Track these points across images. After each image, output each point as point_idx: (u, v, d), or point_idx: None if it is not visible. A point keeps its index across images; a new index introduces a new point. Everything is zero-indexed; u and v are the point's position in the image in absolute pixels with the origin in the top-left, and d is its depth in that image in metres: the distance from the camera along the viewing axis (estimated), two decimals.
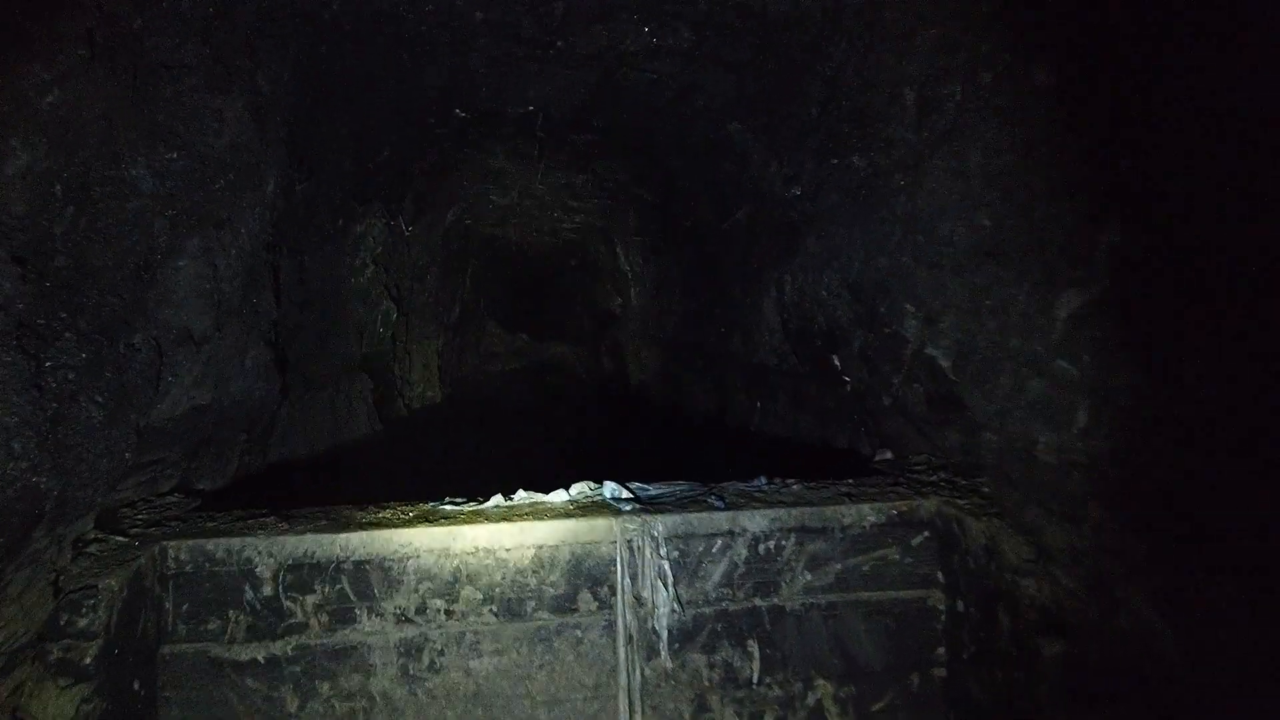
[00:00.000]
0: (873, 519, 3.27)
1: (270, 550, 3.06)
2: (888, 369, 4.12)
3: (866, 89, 3.71)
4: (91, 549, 2.91)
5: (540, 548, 3.17)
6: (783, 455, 5.09)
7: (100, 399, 2.79)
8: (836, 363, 4.58)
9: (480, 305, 17.42)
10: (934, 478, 3.58)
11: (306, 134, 4.60)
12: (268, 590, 3.05)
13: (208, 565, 3.04)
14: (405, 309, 9.05)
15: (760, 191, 5.54)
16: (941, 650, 3.26)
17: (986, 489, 3.25)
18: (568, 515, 3.22)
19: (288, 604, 3.06)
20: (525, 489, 3.53)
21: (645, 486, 3.54)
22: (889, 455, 4.10)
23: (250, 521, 3.23)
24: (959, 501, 3.25)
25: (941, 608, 3.27)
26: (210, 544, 3.05)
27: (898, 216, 3.67)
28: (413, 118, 6.17)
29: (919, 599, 3.28)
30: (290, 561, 3.07)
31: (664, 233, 8.60)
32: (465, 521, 3.19)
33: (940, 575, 3.26)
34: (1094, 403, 2.58)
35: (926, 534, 3.28)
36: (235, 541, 3.06)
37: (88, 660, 2.59)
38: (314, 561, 3.08)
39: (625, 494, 3.41)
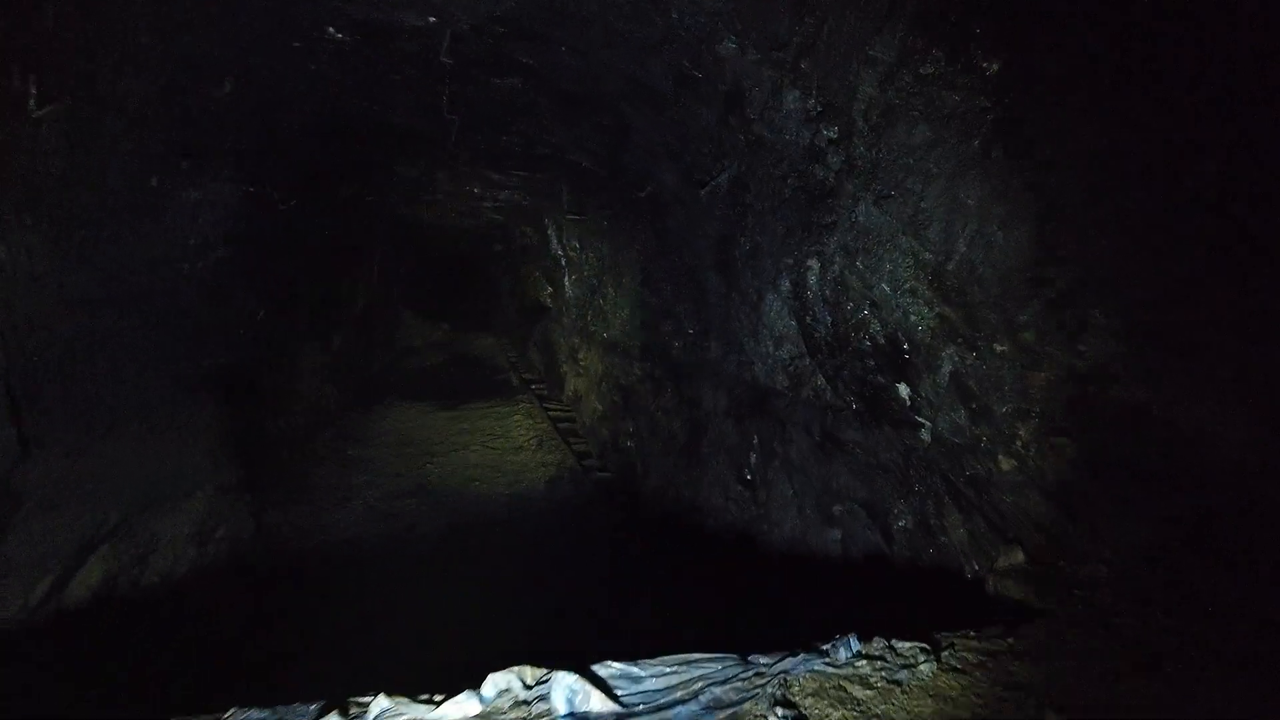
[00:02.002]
0: None
1: None
2: (1009, 412, 2.45)
3: None
4: None
5: None
6: (804, 559, 3.38)
7: None
8: (904, 394, 2.89)
9: (394, 294, 15.37)
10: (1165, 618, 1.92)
11: (38, 10, 2.68)
12: None
13: None
14: (284, 303, 7.07)
15: (761, 141, 3.81)
16: None
17: None
18: None
19: None
20: (388, 694, 1.71)
21: (633, 669, 1.77)
22: (1021, 558, 2.42)
23: None
24: None
25: None
26: None
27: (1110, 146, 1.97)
28: (265, 35, 4.24)
29: None
30: None
31: (610, 207, 6.81)
32: None
33: None
34: None
35: None
36: None
37: None
38: None
39: (596, 701, 1.63)
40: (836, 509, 3.34)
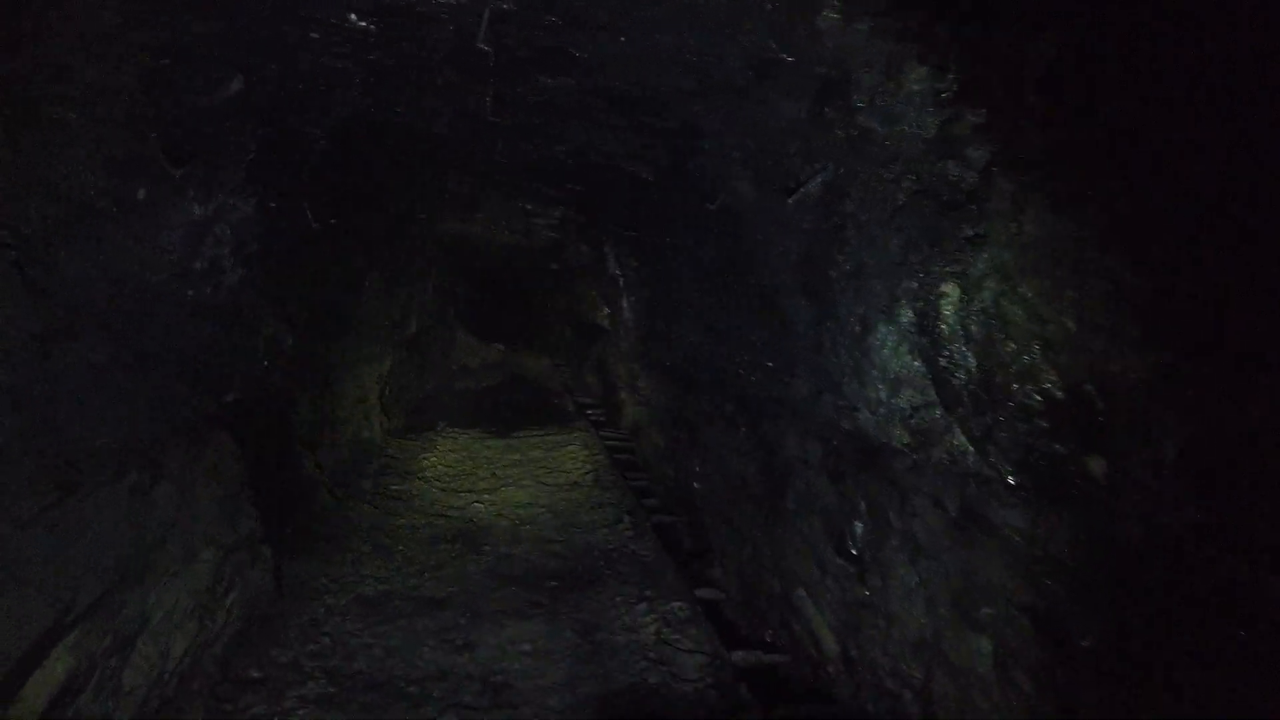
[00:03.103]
0: None
1: None
2: None
3: None
4: None
5: None
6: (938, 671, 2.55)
7: None
8: (1098, 471, 2.06)
9: (448, 315, 14.87)
10: None
11: None
12: None
13: None
14: (323, 329, 6.47)
15: (867, 135, 3.02)
16: None
17: None
18: None
19: None
20: None
21: None
22: None
23: None
24: None
25: None
26: None
27: None
28: (274, 23, 3.59)
29: None
30: None
31: (674, 222, 6.06)
32: None
33: None
34: None
35: None
36: None
37: None
38: None
39: None
40: (985, 611, 2.50)
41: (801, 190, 3.70)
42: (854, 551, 3.27)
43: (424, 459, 8.50)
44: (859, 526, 3.24)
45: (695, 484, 5.97)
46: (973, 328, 2.42)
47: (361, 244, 7.45)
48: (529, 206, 9.14)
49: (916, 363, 2.77)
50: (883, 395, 3.03)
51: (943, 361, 2.59)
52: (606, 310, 10.36)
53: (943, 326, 2.57)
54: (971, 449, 2.53)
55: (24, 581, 2.74)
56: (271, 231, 4.71)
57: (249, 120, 3.94)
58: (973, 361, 2.45)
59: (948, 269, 2.54)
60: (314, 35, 3.80)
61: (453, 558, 5.78)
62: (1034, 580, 2.32)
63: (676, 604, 4.96)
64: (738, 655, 4.16)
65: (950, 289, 2.52)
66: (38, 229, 2.70)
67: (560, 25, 3.89)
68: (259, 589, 4.38)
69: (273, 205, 4.61)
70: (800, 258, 3.86)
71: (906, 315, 2.80)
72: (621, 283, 8.64)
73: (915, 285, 2.74)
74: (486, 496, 7.29)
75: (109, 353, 3.21)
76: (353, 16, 3.66)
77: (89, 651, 3.02)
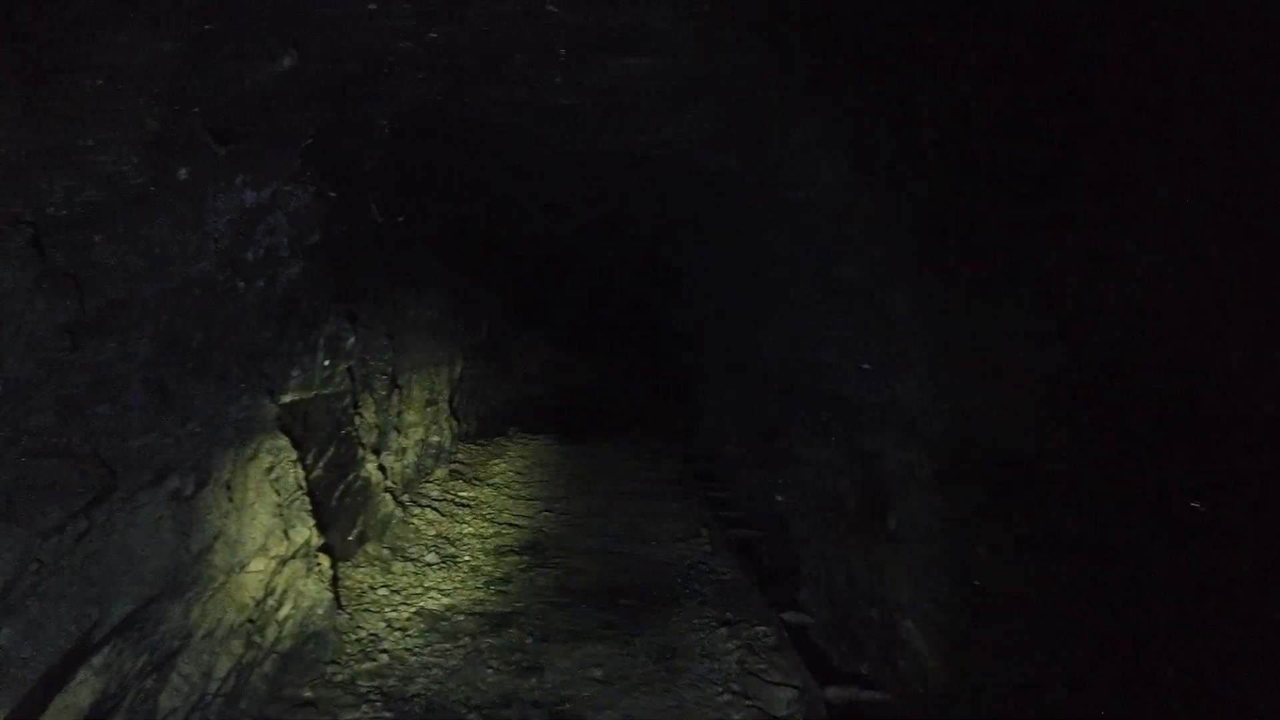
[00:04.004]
0: None
1: None
2: None
3: None
4: None
5: None
6: None
7: None
8: None
9: (521, 318, 14.62)
10: None
11: None
12: None
13: None
14: (393, 328, 6.24)
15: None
16: None
17: None
18: None
19: None
20: None
21: None
22: None
23: None
24: None
25: None
26: None
27: None
28: None
29: None
30: None
31: (752, 215, 5.61)
32: None
33: None
34: None
35: None
36: None
37: None
38: None
39: None
40: None
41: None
42: (977, 583, 2.77)
43: (494, 465, 8.23)
44: (984, 555, 2.74)
45: (779, 497, 5.49)
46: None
47: (431, 242, 7.21)
48: (610, 206, 8.79)
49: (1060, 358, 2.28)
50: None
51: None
52: (684, 312, 9.95)
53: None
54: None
55: (47, 595, 2.47)
56: (332, 223, 4.45)
57: (304, 101, 3.66)
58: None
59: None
60: (370, 6, 3.50)
61: (520, 570, 5.44)
62: None
63: (761, 628, 4.50)
64: (832, 691, 3.68)
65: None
66: (63, 208, 2.44)
67: None
68: (315, 601, 4.09)
69: (333, 195, 4.34)
70: (910, 242, 3.38)
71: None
72: (698, 283, 8.21)
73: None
74: (557, 505, 6.95)
75: (150, 347, 2.94)
76: None
77: (120, 672, 2.74)
